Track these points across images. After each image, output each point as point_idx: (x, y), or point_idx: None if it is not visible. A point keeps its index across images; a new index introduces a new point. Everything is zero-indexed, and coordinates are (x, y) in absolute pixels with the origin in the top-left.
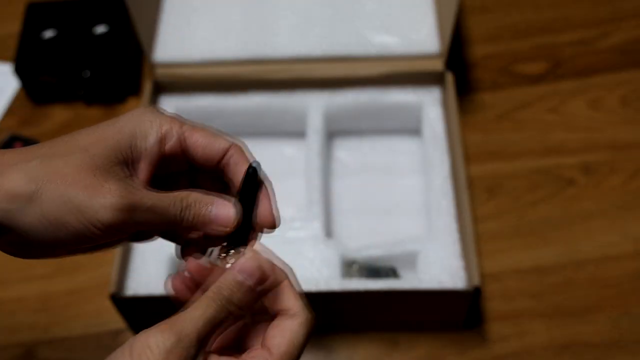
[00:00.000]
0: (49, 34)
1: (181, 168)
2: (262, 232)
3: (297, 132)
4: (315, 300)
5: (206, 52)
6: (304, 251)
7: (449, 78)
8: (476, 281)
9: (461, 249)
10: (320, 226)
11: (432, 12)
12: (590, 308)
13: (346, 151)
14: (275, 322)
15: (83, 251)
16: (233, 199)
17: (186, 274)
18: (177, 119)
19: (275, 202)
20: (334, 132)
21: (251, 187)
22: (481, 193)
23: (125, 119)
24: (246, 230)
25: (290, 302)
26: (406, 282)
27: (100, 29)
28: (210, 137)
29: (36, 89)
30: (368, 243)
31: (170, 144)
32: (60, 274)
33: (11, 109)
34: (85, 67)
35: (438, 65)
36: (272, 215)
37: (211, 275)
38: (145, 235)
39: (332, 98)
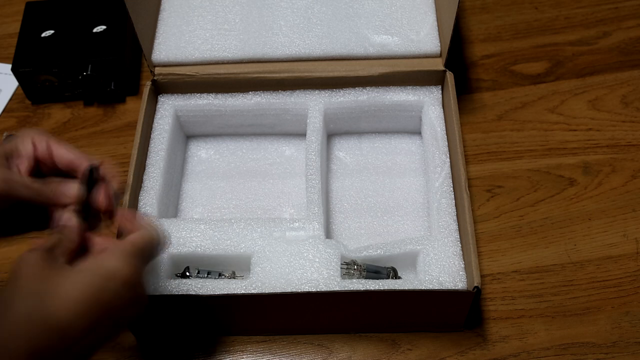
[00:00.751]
0: (47, 33)
1: (51, 173)
2: (102, 212)
3: (296, 132)
4: (315, 301)
5: (205, 52)
6: (303, 251)
7: (449, 78)
8: (476, 281)
9: (461, 249)
10: (320, 226)
11: (432, 12)
12: (590, 308)
13: (346, 151)
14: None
15: None
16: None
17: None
18: (44, 134)
19: (112, 192)
20: (333, 132)
21: (90, 180)
22: (481, 193)
23: (14, 136)
24: (88, 210)
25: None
26: (406, 282)
27: (99, 28)
28: (74, 154)
29: (34, 88)
30: (368, 243)
31: (40, 149)
32: None
33: (10, 109)
34: (84, 67)
35: (438, 65)
36: (105, 199)
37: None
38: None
39: (332, 98)
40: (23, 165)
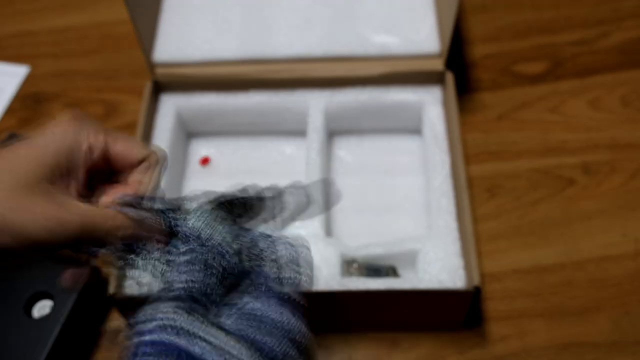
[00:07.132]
0: None
1: (99, 168)
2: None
3: (297, 131)
4: (315, 300)
5: (206, 52)
6: None
7: (449, 78)
8: (476, 281)
9: (461, 249)
10: (320, 225)
11: (432, 12)
12: (590, 308)
13: (346, 150)
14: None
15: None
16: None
17: None
18: (100, 129)
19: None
20: (334, 131)
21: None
22: (481, 193)
23: (51, 135)
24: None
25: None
26: (406, 281)
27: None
28: (130, 146)
29: None
30: (368, 242)
31: (96, 154)
32: None
33: (11, 109)
34: None
35: (438, 65)
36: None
37: None
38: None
39: (332, 97)
40: (74, 183)
